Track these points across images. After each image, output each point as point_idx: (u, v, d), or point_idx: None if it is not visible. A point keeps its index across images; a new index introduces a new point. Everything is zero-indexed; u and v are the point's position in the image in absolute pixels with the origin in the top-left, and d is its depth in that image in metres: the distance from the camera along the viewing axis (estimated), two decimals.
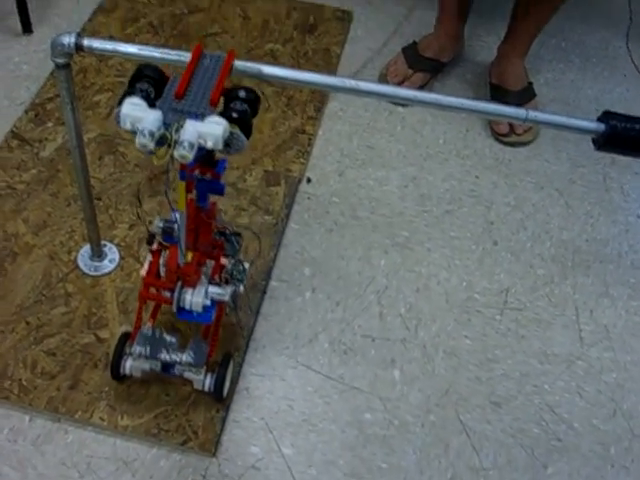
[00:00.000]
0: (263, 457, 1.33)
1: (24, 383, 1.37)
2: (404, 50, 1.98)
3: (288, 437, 1.36)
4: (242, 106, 1.07)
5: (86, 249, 1.54)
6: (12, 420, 1.34)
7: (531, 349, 1.51)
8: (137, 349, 1.28)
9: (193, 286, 1.22)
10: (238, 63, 1.09)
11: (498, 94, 1.91)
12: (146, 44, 1.15)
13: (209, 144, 0.99)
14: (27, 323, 1.44)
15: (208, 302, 1.23)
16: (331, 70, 1.96)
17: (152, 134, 0.96)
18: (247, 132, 1.05)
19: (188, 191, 1.13)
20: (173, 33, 2.01)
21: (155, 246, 1.26)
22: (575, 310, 1.58)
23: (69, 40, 1.11)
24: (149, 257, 1.27)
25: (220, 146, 1.00)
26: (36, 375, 1.38)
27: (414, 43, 1.99)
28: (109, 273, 1.52)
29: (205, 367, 1.31)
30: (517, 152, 1.86)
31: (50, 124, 1.77)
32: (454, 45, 1.98)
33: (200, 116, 1.01)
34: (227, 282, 1.29)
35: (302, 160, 1.75)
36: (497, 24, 2.13)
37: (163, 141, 0.97)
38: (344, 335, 1.49)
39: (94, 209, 1.41)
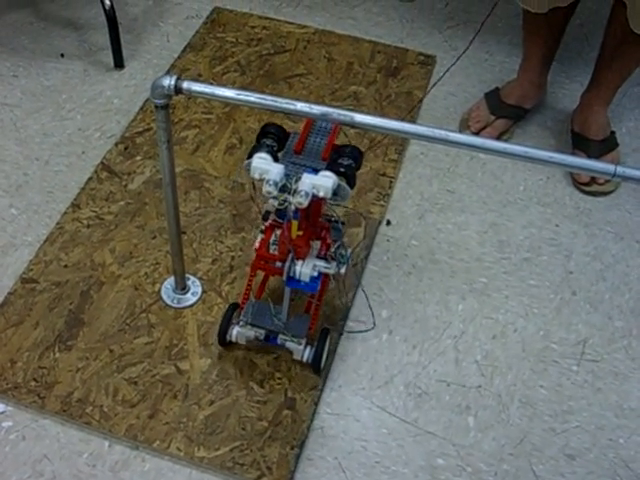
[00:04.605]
0: None
1: (105, 409, 1.40)
2: (486, 96, 1.99)
3: (361, 478, 1.36)
4: (348, 161, 1.24)
5: (170, 281, 1.57)
6: (92, 445, 1.38)
7: (607, 402, 1.50)
8: (244, 317, 1.41)
9: (303, 258, 1.32)
10: (332, 111, 1.13)
11: (580, 143, 1.90)
12: (241, 88, 1.20)
13: (321, 193, 1.18)
14: (110, 351, 1.48)
15: (315, 273, 1.33)
16: (413, 114, 1.98)
17: (276, 184, 1.17)
18: (351, 183, 1.24)
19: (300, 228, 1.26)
20: (260, 73, 2.05)
21: (269, 223, 1.36)
22: None
23: (169, 82, 1.15)
24: (261, 234, 1.37)
25: (329, 195, 1.19)
26: (117, 402, 1.41)
27: (496, 89, 2.00)
28: (191, 306, 1.55)
29: (306, 339, 1.42)
30: (598, 202, 1.85)
31: (139, 157, 1.82)
32: (537, 92, 1.98)
33: (314, 170, 1.21)
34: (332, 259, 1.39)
35: (382, 202, 1.77)
36: (580, 72, 2.13)
37: (284, 189, 1.18)
38: (419, 379, 1.50)
39: (181, 243, 1.45)
